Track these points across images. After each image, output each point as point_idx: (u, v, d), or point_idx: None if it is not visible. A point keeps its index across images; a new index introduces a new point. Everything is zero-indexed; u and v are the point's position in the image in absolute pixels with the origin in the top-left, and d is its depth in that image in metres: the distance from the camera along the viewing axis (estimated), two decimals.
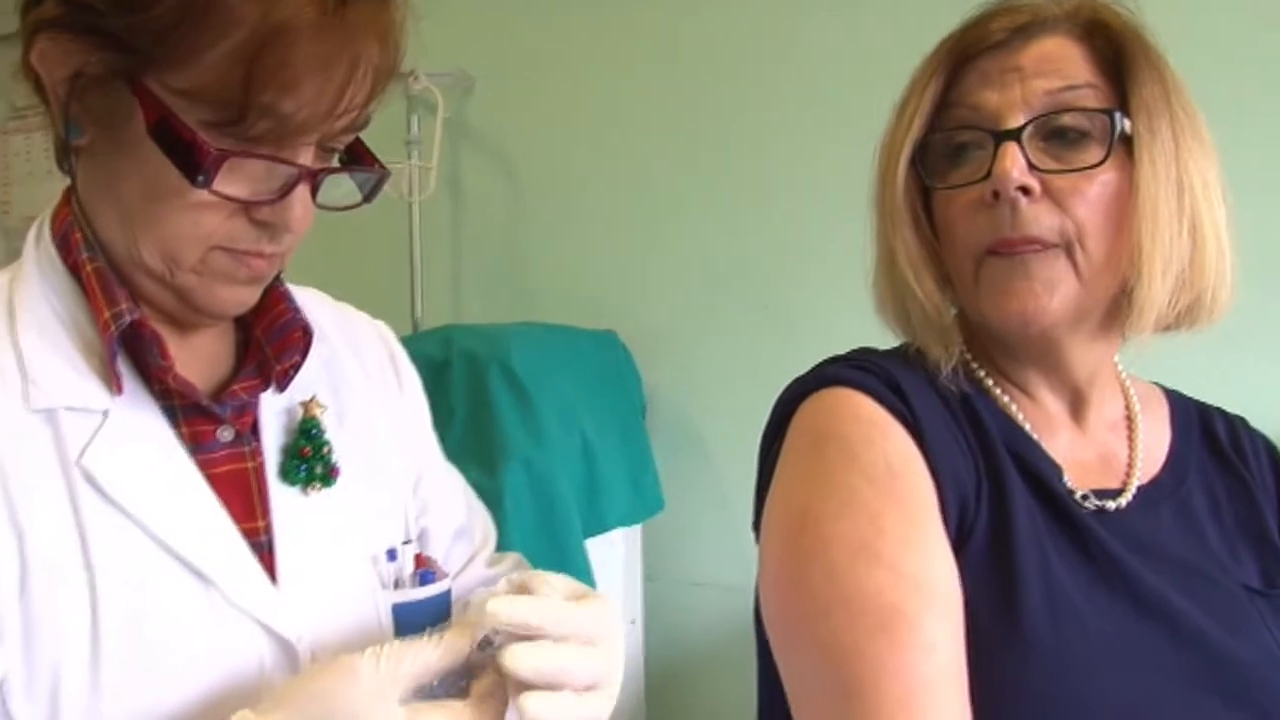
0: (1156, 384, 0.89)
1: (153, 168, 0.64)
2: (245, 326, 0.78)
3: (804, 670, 0.67)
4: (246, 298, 0.72)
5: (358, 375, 0.85)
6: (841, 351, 0.81)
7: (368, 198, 0.73)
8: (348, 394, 0.82)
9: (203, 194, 0.64)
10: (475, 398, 1.63)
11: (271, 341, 0.76)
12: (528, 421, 1.66)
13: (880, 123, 0.80)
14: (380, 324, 0.93)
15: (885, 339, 0.84)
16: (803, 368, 0.80)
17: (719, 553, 1.98)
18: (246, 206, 0.66)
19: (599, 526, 1.78)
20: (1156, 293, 0.72)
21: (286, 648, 0.70)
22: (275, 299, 0.77)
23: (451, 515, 0.90)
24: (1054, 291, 0.72)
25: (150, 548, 0.67)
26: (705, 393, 1.99)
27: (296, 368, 0.76)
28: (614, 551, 1.87)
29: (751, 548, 0.75)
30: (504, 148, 2.15)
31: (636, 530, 1.95)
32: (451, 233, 2.20)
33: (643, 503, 1.89)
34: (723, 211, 1.97)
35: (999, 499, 0.72)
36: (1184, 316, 0.76)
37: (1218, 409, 0.88)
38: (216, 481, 0.71)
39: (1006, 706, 0.65)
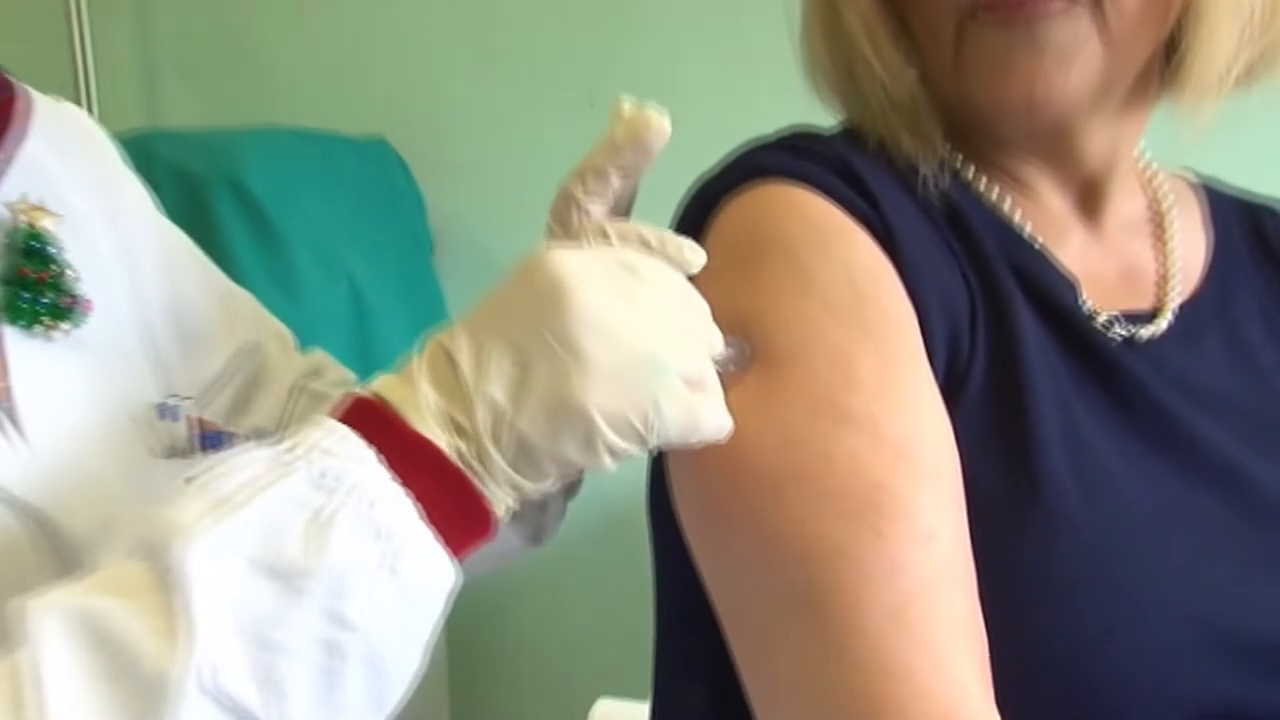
0: (1186, 172, 0.86)
1: None
2: None
3: (744, 576, 0.63)
4: None
5: (59, 168, 0.79)
6: (705, 162, 0.76)
7: None
8: (56, 197, 0.77)
9: None
10: (193, 233, 1.54)
11: None
12: (273, 264, 1.59)
13: None
14: (67, 105, 0.86)
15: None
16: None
17: None
18: None
19: None
20: (1219, 50, 0.69)
21: (44, 522, 0.68)
22: None
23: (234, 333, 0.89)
24: (1071, 64, 0.68)
25: None
26: (513, 218, 1.82)
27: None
28: None
29: None
30: None
31: None
32: None
33: None
34: None
35: (1000, 328, 0.68)
36: (1240, 80, 0.73)
37: (1267, 204, 0.85)
38: None
39: (1027, 601, 0.62)
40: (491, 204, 1.93)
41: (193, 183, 1.57)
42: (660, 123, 0.65)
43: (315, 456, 0.56)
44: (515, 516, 0.84)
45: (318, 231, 1.68)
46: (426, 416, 0.58)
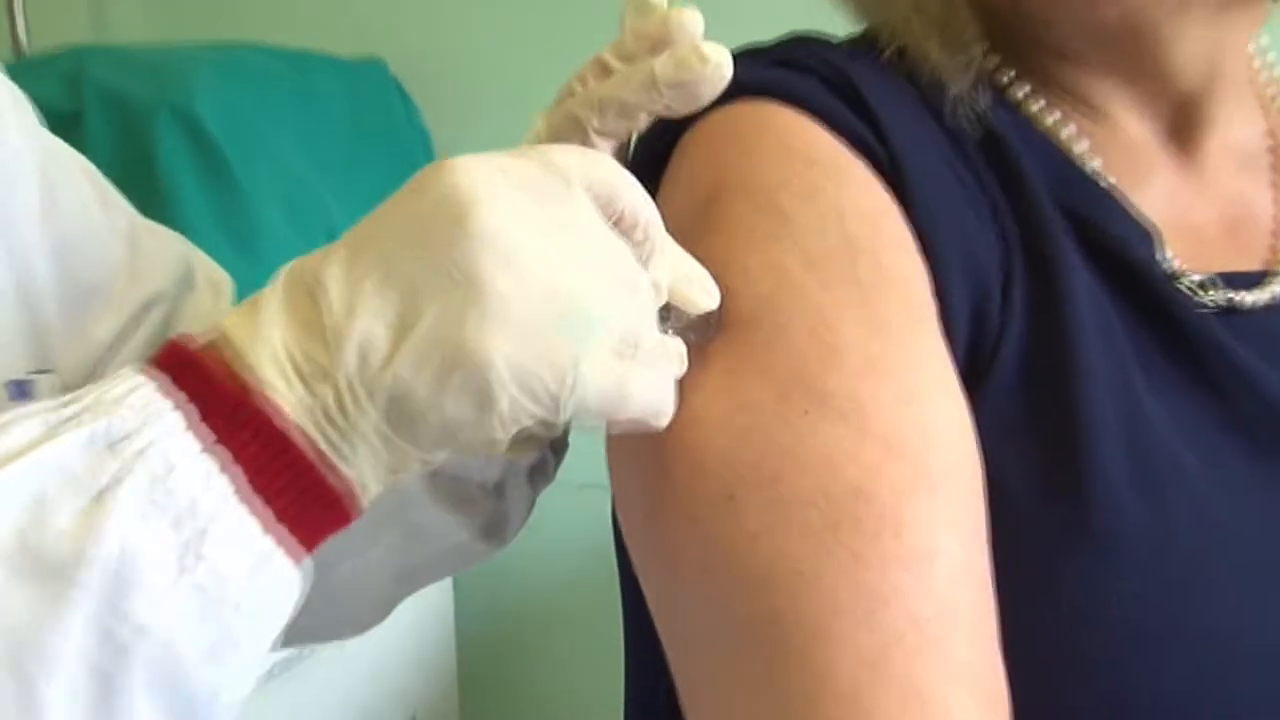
0: None
1: None
2: None
3: (689, 605, 0.61)
4: None
5: None
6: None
7: None
8: None
9: None
10: (130, 174, 1.49)
11: None
12: (229, 214, 1.57)
13: None
14: None
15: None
16: None
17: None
18: None
19: None
20: None
21: None
22: None
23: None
24: None
25: None
26: None
27: None
28: None
29: None
30: None
31: None
32: None
33: None
34: None
35: (1045, 292, 0.64)
36: None
37: None
38: None
39: (1065, 646, 0.60)
40: (507, 139, 1.89)
41: (130, 110, 1.53)
42: (722, 66, 0.62)
43: (100, 412, 0.52)
44: (460, 503, 0.81)
45: (289, 174, 1.64)
46: (264, 358, 0.52)
